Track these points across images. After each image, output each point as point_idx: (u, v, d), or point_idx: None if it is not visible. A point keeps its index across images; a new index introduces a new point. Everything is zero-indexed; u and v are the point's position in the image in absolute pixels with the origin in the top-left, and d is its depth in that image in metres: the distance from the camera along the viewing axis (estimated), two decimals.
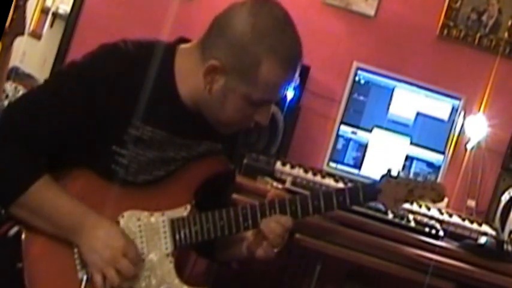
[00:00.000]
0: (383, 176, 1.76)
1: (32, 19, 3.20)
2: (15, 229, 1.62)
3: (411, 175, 1.77)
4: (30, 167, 1.59)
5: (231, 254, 1.84)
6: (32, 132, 1.58)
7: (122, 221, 1.64)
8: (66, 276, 1.60)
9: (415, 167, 2.80)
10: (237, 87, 1.57)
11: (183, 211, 1.66)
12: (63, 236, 1.60)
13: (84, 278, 1.60)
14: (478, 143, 2.94)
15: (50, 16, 3.26)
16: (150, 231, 1.64)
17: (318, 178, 2.54)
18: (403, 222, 2.42)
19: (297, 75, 1.62)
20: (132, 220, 1.64)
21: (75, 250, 1.61)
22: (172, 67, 1.64)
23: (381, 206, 2.47)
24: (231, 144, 1.81)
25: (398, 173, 1.76)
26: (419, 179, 1.77)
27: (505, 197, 2.78)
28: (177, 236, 1.65)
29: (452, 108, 2.81)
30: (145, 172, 1.65)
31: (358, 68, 2.81)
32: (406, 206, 2.55)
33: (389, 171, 1.76)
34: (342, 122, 2.82)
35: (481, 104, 2.95)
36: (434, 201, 1.79)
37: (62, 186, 1.62)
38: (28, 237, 1.61)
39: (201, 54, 1.60)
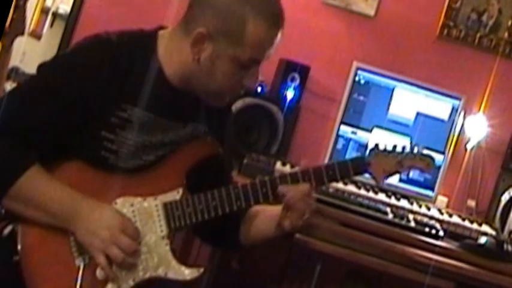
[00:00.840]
0: (371, 150, 1.79)
1: (32, 19, 3.19)
2: (9, 228, 1.64)
3: (399, 148, 1.80)
4: (20, 158, 1.61)
5: (260, 234, 1.85)
6: (20, 124, 1.61)
7: (116, 208, 1.66)
8: (64, 264, 1.62)
9: None
10: (226, 51, 1.61)
11: (176, 195, 1.69)
12: (57, 224, 1.62)
13: (82, 265, 1.62)
14: (478, 143, 2.94)
15: (50, 16, 3.26)
16: (144, 215, 1.67)
17: None
18: (403, 222, 2.42)
19: (280, 35, 1.65)
20: (125, 206, 1.66)
21: (71, 238, 1.62)
22: (155, 49, 1.68)
23: (380, 206, 2.48)
24: (220, 127, 1.83)
25: (385, 146, 1.79)
26: (407, 150, 1.80)
27: (505, 197, 2.78)
28: (171, 219, 1.68)
29: (452, 108, 2.81)
30: (135, 157, 1.68)
31: (358, 68, 2.81)
32: (406, 206, 2.57)
33: (376, 145, 1.79)
34: (342, 122, 2.82)
35: (481, 104, 2.95)
36: (423, 171, 1.83)
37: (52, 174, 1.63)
38: (23, 229, 1.62)
39: (185, 30, 1.65)
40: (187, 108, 1.73)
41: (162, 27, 1.74)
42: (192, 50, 1.62)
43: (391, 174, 1.80)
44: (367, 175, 1.80)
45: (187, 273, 1.66)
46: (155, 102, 1.67)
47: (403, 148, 1.80)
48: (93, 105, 1.61)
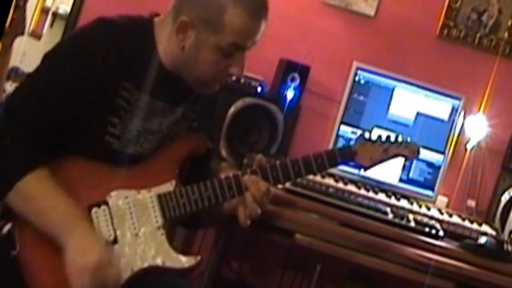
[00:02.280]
0: (357, 139, 1.85)
1: (32, 19, 3.20)
2: (7, 227, 1.67)
3: (384, 137, 1.87)
4: (30, 154, 1.62)
5: (215, 216, 1.90)
6: (31, 115, 1.63)
7: (110, 201, 1.69)
8: (61, 257, 1.62)
9: (415, 166, 2.80)
10: (207, 39, 1.66)
11: (169, 186, 1.73)
12: (47, 232, 1.61)
13: None
14: (478, 143, 2.94)
15: (50, 16, 3.26)
16: (139, 206, 1.70)
17: (318, 178, 2.54)
18: (403, 222, 2.42)
19: (263, 25, 1.69)
20: (120, 198, 1.69)
21: None
22: (153, 34, 1.74)
23: (380, 206, 2.48)
24: (208, 115, 1.89)
25: (370, 135, 1.85)
26: (392, 139, 1.87)
27: (505, 197, 2.78)
28: (166, 209, 1.71)
29: (452, 108, 2.81)
30: (136, 143, 1.73)
31: (358, 68, 2.81)
32: (406, 206, 2.57)
33: (362, 134, 1.86)
34: (342, 122, 2.82)
35: (481, 104, 2.95)
36: (408, 158, 1.90)
37: (52, 172, 1.64)
38: (20, 224, 1.64)
39: (173, 18, 1.70)
40: (181, 93, 1.78)
41: (157, 14, 1.79)
42: (177, 38, 1.69)
43: (377, 163, 1.87)
44: (362, 171, 1.86)
45: (184, 261, 1.69)
46: (151, 85, 1.71)
47: (388, 137, 1.86)
48: (100, 85, 1.65)
